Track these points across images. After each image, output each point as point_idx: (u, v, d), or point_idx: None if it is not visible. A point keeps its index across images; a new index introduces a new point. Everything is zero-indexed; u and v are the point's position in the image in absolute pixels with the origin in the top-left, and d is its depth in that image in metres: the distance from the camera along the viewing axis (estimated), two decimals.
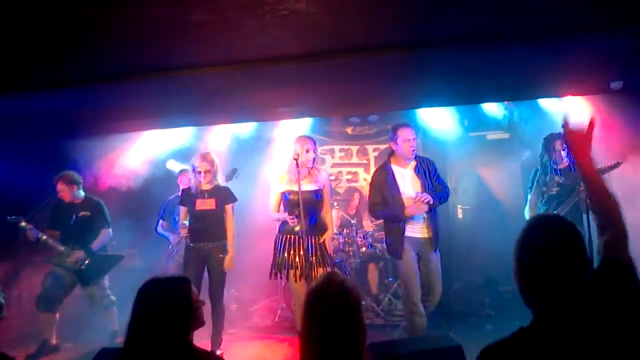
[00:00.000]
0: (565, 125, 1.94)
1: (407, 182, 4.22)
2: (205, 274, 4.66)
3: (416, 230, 4.18)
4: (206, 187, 4.70)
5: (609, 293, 1.57)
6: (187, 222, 4.69)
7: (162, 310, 2.06)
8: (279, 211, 4.37)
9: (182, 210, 4.82)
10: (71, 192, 5.08)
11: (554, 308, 1.54)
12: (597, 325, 1.48)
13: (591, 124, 1.92)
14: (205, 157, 4.68)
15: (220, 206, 4.68)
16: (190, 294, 2.17)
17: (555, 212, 4.55)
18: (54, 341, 4.94)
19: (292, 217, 4.14)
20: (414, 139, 4.20)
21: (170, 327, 2.05)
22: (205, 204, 4.65)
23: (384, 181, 4.23)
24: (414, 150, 4.19)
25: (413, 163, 4.29)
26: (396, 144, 4.22)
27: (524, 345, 1.51)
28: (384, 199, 4.21)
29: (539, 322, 1.56)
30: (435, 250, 4.22)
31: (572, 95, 5.67)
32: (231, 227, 4.72)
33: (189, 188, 4.78)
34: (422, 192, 4.11)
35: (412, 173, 4.26)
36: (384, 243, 4.52)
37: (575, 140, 1.92)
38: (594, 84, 5.03)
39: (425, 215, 4.18)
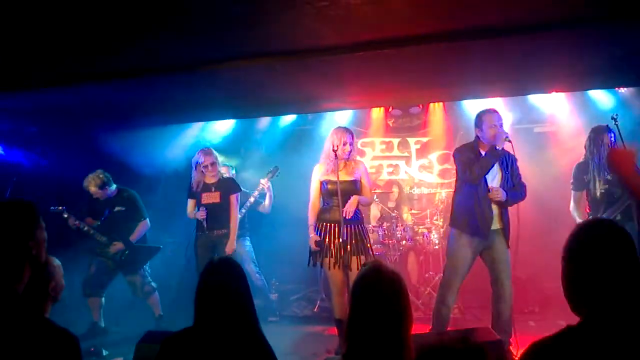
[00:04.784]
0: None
1: (490, 170, 4.07)
2: None
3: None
4: (211, 180, 5.00)
5: None
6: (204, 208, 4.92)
7: (231, 289, 2.17)
8: (319, 201, 4.39)
9: (190, 202, 5.06)
10: (104, 193, 5.20)
11: (604, 313, 1.50)
12: None
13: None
14: (207, 152, 4.99)
15: (225, 198, 4.98)
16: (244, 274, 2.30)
17: (603, 217, 4.30)
18: (102, 324, 5.15)
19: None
20: (500, 125, 4.07)
21: (238, 306, 2.16)
22: (211, 198, 4.97)
23: (474, 154, 4.11)
24: (502, 134, 4.00)
25: None
26: (481, 129, 4.12)
27: (571, 345, 1.48)
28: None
29: (587, 324, 1.52)
30: (505, 245, 4.12)
31: (626, 87, 5.44)
32: (234, 216, 5.00)
33: (191, 184, 5.02)
34: (497, 187, 4.04)
35: (496, 163, 4.12)
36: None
37: (622, 158, 2.05)
38: None
39: (496, 210, 4.11)
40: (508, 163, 4.18)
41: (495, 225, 4.11)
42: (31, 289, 2.43)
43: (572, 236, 1.64)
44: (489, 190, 4.03)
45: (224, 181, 5.06)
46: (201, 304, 2.17)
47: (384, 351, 1.79)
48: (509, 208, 4.23)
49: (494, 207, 4.10)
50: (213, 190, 4.97)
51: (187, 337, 2.15)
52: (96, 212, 5.29)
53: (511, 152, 4.15)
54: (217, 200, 4.94)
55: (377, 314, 1.82)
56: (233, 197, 5.02)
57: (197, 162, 4.95)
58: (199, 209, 4.95)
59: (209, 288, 2.17)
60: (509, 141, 4.02)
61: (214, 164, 4.94)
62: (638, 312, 1.48)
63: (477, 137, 4.21)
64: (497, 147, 3.97)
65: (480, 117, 4.16)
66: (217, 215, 4.93)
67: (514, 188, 4.18)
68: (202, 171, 4.93)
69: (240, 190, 5.14)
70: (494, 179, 4.13)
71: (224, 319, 2.11)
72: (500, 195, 4.02)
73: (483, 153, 4.10)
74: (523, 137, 6.56)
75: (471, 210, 4.07)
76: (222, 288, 2.16)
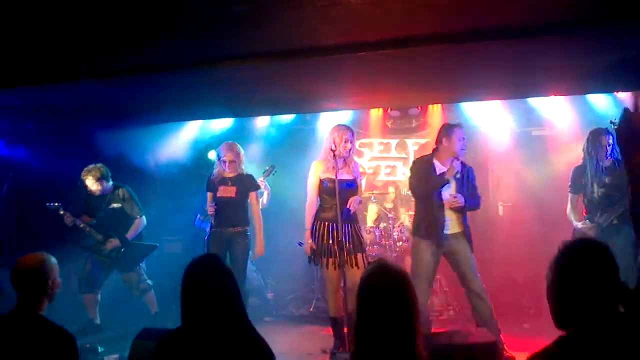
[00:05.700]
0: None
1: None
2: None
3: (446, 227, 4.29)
4: (229, 174, 4.90)
5: None
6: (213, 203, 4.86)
7: (216, 286, 2.14)
8: (317, 197, 4.42)
9: (209, 195, 5.00)
10: (101, 187, 5.15)
11: (588, 330, 1.57)
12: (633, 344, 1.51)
13: None
14: (231, 147, 4.91)
15: (241, 194, 4.87)
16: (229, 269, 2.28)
17: (600, 220, 4.40)
18: (97, 321, 5.14)
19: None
20: (464, 140, 4.38)
21: (225, 302, 2.14)
22: (227, 192, 4.86)
23: (427, 170, 4.36)
24: (464, 150, 4.37)
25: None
26: (450, 140, 4.33)
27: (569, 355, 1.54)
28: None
29: (574, 339, 1.59)
30: (468, 246, 4.29)
31: (625, 91, 5.42)
32: (257, 214, 4.93)
33: (211, 176, 4.98)
34: (455, 195, 4.26)
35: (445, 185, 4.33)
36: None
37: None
38: None
39: (454, 216, 4.31)
40: (463, 174, 4.38)
41: (455, 229, 4.31)
42: (28, 288, 2.45)
43: (555, 258, 1.72)
44: (443, 199, 4.25)
45: (242, 177, 4.94)
46: (188, 301, 2.14)
47: (394, 349, 1.80)
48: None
49: (451, 213, 4.30)
50: (230, 184, 4.87)
51: (180, 337, 2.13)
52: (92, 209, 5.27)
53: (460, 168, 4.32)
54: (233, 195, 4.84)
55: (385, 312, 1.83)
56: (253, 195, 4.94)
57: (218, 155, 4.95)
58: (214, 203, 4.87)
59: (194, 285, 2.14)
60: (457, 160, 4.28)
61: (232, 162, 4.84)
62: (621, 328, 1.56)
63: (436, 149, 4.45)
64: (453, 162, 4.23)
65: (452, 127, 4.41)
66: (231, 210, 4.83)
67: (470, 197, 4.38)
68: (221, 165, 4.89)
69: (259, 188, 5.09)
70: (448, 188, 4.32)
71: (212, 316, 2.09)
72: (459, 201, 4.24)
73: (436, 164, 4.37)
74: (522, 140, 6.60)
75: (426, 217, 4.30)
76: (207, 284, 2.13)
